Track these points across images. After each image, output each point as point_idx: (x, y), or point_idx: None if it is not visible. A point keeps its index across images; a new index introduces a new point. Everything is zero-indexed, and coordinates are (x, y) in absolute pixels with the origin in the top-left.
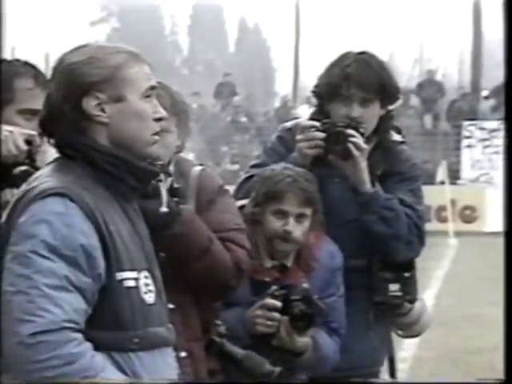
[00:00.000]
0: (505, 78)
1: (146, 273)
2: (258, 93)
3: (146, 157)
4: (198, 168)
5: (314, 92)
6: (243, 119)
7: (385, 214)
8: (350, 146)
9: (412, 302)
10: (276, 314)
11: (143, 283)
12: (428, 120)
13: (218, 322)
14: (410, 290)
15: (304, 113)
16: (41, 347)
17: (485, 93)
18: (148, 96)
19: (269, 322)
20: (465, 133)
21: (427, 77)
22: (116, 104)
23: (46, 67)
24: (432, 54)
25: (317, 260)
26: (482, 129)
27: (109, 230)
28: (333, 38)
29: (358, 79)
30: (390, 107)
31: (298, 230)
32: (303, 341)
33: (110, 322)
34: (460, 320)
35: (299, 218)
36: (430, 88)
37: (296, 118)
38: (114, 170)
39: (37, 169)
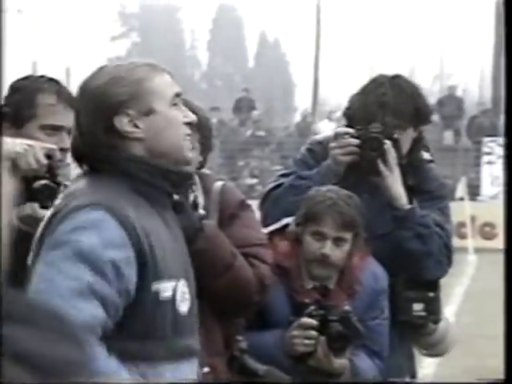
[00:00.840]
0: (505, 79)
1: (184, 281)
2: (277, 107)
3: (184, 162)
4: (220, 183)
5: (345, 114)
6: (262, 134)
7: (420, 230)
8: (380, 163)
9: (436, 322)
10: (313, 332)
11: (180, 292)
12: (448, 136)
13: (240, 338)
14: (434, 310)
15: (325, 127)
16: None
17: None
18: (175, 104)
19: (306, 341)
20: (485, 149)
21: (447, 93)
22: (147, 117)
23: (67, 81)
24: (452, 70)
25: (360, 282)
26: (502, 145)
27: (150, 243)
28: (353, 53)
29: (393, 108)
30: (423, 128)
31: (336, 253)
32: (340, 362)
33: (139, 332)
34: (479, 338)
35: (337, 241)
36: (450, 104)
37: (317, 134)
38: (149, 178)
39: (58, 183)
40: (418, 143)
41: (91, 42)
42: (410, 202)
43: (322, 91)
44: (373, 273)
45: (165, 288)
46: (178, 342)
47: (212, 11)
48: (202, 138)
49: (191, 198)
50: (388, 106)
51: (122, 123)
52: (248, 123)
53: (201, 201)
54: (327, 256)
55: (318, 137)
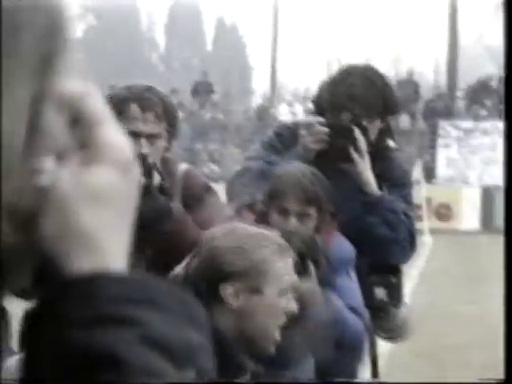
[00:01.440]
0: (505, 78)
1: None
2: (235, 90)
3: (266, 352)
4: (184, 167)
5: (314, 102)
6: (221, 116)
7: (389, 217)
8: (351, 150)
9: (397, 306)
10: None
11: None
12: (405, 119)
13: None
14: (395, 295)
15: (284, 112)
16: None
17: (460, 93)
18: (285, 293)
19: None
20: (440, 132)
21: (404, 77)
22: (252, 295)
23: None
24: (408, 56)
25: (325, 255)
26: (457, 128)
27: None
28: (310, 36)
29: (362, 99)
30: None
31: (300, 229)
32: (306, 287)
33: None
34: (435, 318)
35: (301, 216)
36: (407, 88)
37: (276, 118)
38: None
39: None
40: (385, 133)
41: None
42: (380, 189)
43: (279, 75)
44: (339, 244)
45: None
46: None
47: None
48: (170, 127)
49: (157, 180)
50: (357, 97)
51: (226, 292)
52: (207, 106)
53: (165, 184)
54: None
55: (287, 121)
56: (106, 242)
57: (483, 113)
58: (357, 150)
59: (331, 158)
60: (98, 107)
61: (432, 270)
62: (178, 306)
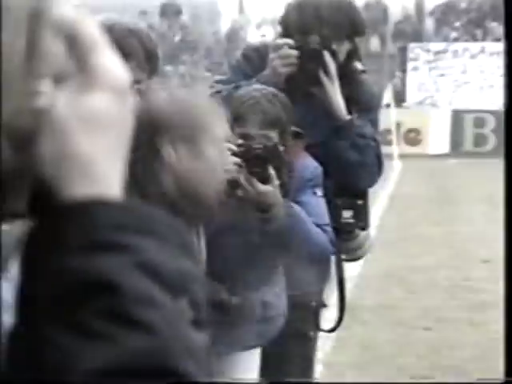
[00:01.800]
0: (505, 76)
1: None
2: (202, 12)
3: (209, 211)
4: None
5: (281, 23)
6: (191, 39)
7: (357, 141)
8: (321, 73)
9: (364, 229)
10: (235, 158)
11: None
12: (375, 42)
13: None
14: (362, 217)
15: (253, 35)
16: None
17: (428, 15)
18: (220, 145)
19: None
20: (410, 55)
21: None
22: (188, 147)
23: None
24: None
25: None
26: (427, 51)
27: None
28: None
29: (330, 20)
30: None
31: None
32: (265, 188)
33: None
34: (403, 240)
35: (263, 140)
36: (374, 10)
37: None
38: None
39: None
40: (352, 55)
41: None
42: (349, 114)
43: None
44: (305, 164)
45: None
46: None
47: None
48: (151, 65)
49: None
50: (324, 18)
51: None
52: (175, 28)
53: None
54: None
55: (254, 43)
56: (101, 167)
57: (453, 34)
58: (326, 73)
59: (300, 81)
60: (94, 33)
61: (401, 193)
62: (173, 234)
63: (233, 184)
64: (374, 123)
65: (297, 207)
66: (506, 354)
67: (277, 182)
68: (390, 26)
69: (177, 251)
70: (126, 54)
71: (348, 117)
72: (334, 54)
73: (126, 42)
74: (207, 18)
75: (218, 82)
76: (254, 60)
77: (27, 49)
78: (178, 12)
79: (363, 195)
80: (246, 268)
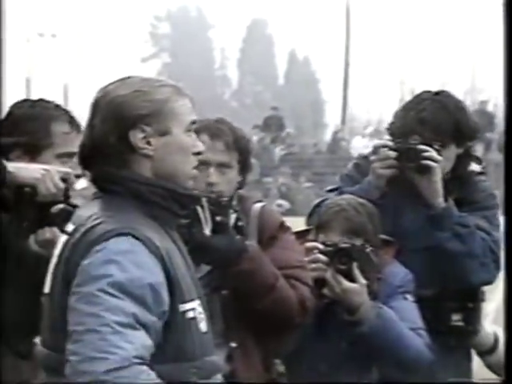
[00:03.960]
0: (504, 82)
1: (198, 301)
2: (307, 125)
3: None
4: (259, 205)
5: (388, 129)
6: (293, 151)
7: (458, 230)
8: (425, 160)
9: (475, 333)
10: (321, 257)
11: (198, 311)
12: (479, 149)
13: (277, 361)
14: (471, 321)
15: (358, 144)
16: None
17: None
18: (190, 130)
19: (314, 265)
20: None
21: (479, 107)
22: (161, 137)
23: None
24: (484, 85)
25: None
26: None
27: (172, 265)
28: (383, 68)
29: (432, 124)
30: (469, 144)
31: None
32: (351, 285)
33: (171, 355)
34: None
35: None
36: (480, 119)
37: (347, 150)
38: (161, 201)
39: (73, 206)
40: (464, 159)
41: (122, 63)
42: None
43: (352, 108)
44: (393, 271)
45: (188, 309)
46: (206, 361)
47: (242, 29)
48: (241, 158)
49: (233, 219)
50: (427, 121)
51: (137, 138)
52: (278, 141)
53: (241, 223)
54: None
55: (365, 151)
56: None
57: None
58: (423, 169)
59: (402, 184)
60: None
61: None
62: None
63: (320, 283)
64: (491, 220)
65: (387, 309)
66: (506, 354)
67: (363, 281)
68: (496, 135)
69: None
70: (213, 135)
71: (444, 204)
72: (436, 151)
73: (213, 125)
74: (310, 129)
75: (329, 191)
76: (363, 167)
77: None
78: (281, 126)
79: (475, 297)
80: (335, 376)
